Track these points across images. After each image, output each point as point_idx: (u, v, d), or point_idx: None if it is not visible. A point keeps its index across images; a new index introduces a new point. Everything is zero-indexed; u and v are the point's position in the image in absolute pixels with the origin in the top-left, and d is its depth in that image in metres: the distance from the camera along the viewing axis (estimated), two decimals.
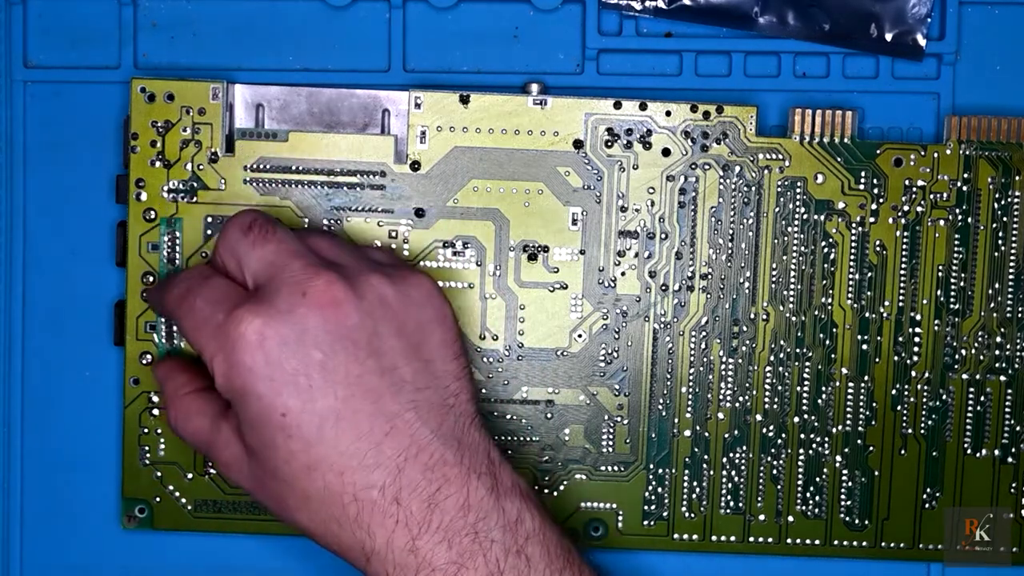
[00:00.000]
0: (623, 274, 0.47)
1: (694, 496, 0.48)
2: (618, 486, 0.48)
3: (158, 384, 0.45)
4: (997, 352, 0.47)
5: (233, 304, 0.40)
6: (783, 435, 0.48)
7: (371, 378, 0.40)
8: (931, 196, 0.47)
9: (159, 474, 0.47)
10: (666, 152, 0.47)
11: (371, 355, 0.40)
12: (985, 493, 0.48)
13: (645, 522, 0.48)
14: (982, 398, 0.47)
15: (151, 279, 0.47)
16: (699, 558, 0.49)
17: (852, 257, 0.47)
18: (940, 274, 0.47)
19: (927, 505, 0.48)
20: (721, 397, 0.47)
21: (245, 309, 0.40)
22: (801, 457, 0.48)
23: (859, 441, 0.47)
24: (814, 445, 0.48)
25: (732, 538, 0.48)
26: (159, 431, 0.47)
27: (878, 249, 0.47)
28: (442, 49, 0.48)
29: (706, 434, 0.47)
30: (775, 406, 0.47)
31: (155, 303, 0.46)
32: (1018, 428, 0.48)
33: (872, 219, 0.47)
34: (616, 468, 0.48)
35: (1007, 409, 0.47)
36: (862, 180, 0.47)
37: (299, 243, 0.42)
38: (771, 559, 0.48)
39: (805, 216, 0.47)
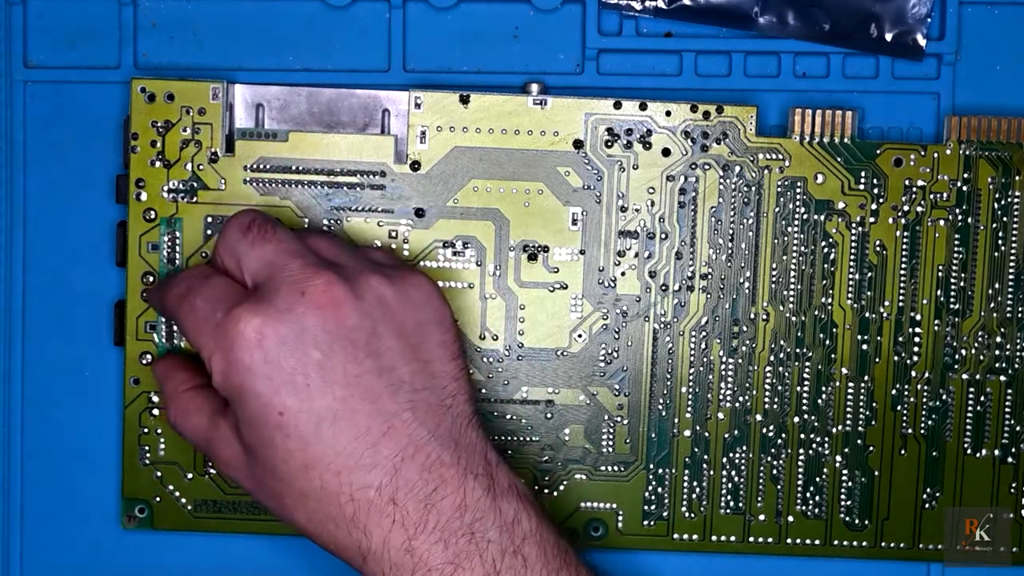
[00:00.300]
0: (623, 274, 0.47)
1: (694, 496, 0.48)
2: (618, 486, 0.48)
3: (158, 382, 0.45)
4: (997, 352, 0.47)
5: (232, 303, 0.40)
6: (783, 435, 0.48)
7: (369, 378, 0.40)
8: (931, 196, 0.47)
9: (159, 474, 0.47)
10: (666, 152, 0.47)
11: (369, 355, 0.40)
12: (985, 493, 0.48)
13: (645, 522, 0.48)
14: (982, 398, 0.47)
15: (151, 279, 0.47)
16: (699, 558, 0.49)
17: (852, 257, 0.47)
18: (940, 274, 0.47)
19: (927, 505, 0.48)
20: (721, 397, 0.47)
21: (244, 308, 0.40)
22: (801, 457, 0.48)
23: (859, 441, 0.47)
24: (814, 445, 0.48)
25: (732, 538, 0.48)
26: (159, 431, 0.47)
27: (878, 249, 0.47)
28: (442, 49, 0.48)
29: (706, 434, 0.47)
30: (775, 406, 0.47)
31: (155, 302, 0.46)
32: (1018, 428, 0.48)
33: (872, 219, 0.47)
34: (616, 468, 0.48)
35: (1007, 409, 0.47)
36: (862, 180, 0.47)
37: (298, 243, 0.42)
38: (771, 559, 0.48)
39: (805, 216, 0.47)
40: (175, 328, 0.47)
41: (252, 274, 0.41)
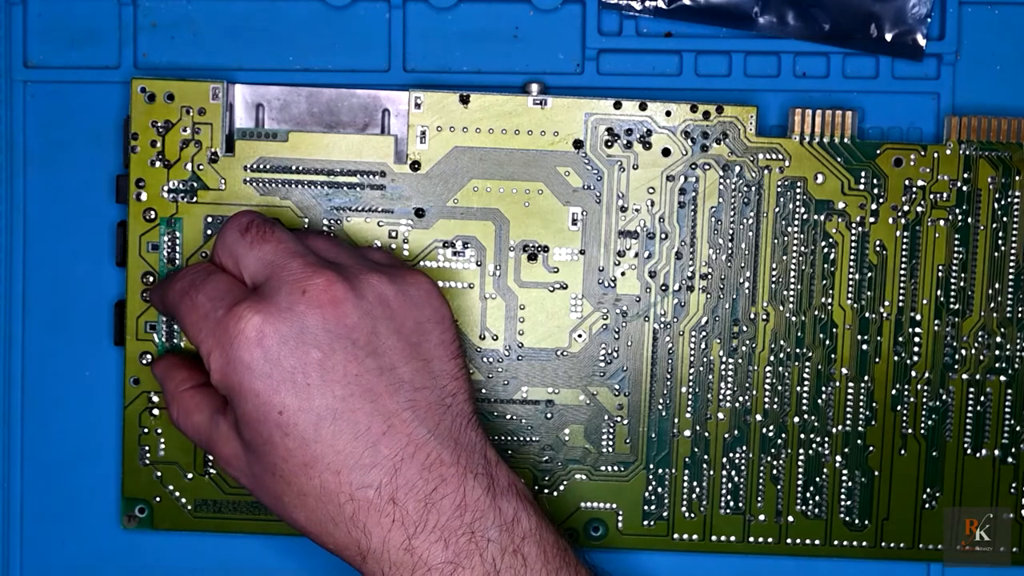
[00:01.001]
0: (623, 274, 0.47)
1: (694, 496, 0.48)
2: (618, 486, 0.48)
3: (158, 381, 0.45)
4: (997, 352, 0.47)
5: (234, 300, 0.40)
6: (783, 435, 0.48)
7: (369, 377, 0.40)
8: (931, 196, 0.47)
9: (159, 474, 0.48)
10: (666, 152, 0.47)
11: (370, 354, 0.40)
12: (985, 493, 0.48)
13: (645, 522, 0.48)
14: (982, 398, 0.47)
15: (151, 279, 0.47)
16: (699, 558, 0.49)
17: (852, 257, 0.47)
18: (940, 274, 0.47)
19: (927, 505, 0.48)
20: (721, 397, 0.47)
21: (245, 306, 0.40)
22: (801, 457, 0.48)
23: (859, 441, 0.47)
24: (814, 445, 0.48)
25: (732, 538, 0.48)
26: (159, 431, 0.47)
27: (878, 249, 0.47)
28: (442, 49, 0.48)
29: (706, 434, 0.47)
30: (775, 406, 0.47)
31: (156, 298, 0.45)
32: (1018, 428, 0.48)
33: (872, 219, 0.47)
34: (616, 468, 0.48)
35: (1007, 409, 0.47)
36: (862, 180, 0.47)
37: (298, 243, 0.42)
38: (771, 559, 0.48)
39: (805, 216, 0.47)
40: (175, 328, 0.47)
41: (251, 274, 0.41)
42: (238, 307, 0.40)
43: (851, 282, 0.47)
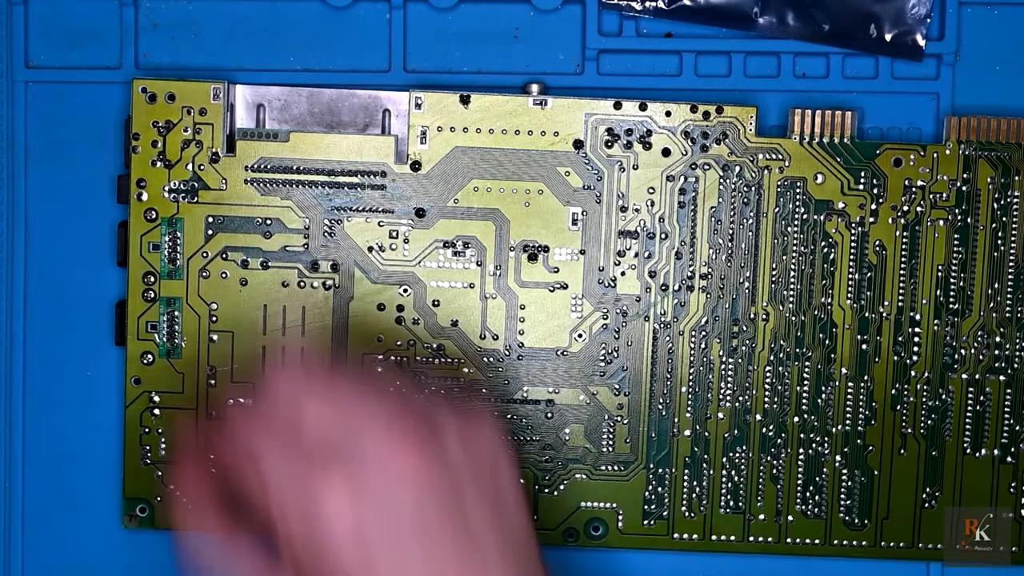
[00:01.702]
0: (623, 274, 0.47)
1: (694, 496, 0.48)
2: (618, 486, 0.48)
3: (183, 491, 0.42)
4: (997, 352, 0.47)
5: (321, 460, 0.38)
6: (783, 435, 0.48)
7: (459, 538, 0.38)
8: (931, 196, 0.47)
9: (160, 473, 0.48)
10: (666, 152, 0.47)
11: (457, 515, 0.38)
12: (985, 493, 0.48)
13: (645, 522, 0.48)
14: (982, 398, 0.47)
15: (152, 279, 0.47)
16: (699, 558, 0.49)
17: (852, 257, 0.47)
18: (940, 274, 0.47)
19: (927, 505, 0.48)
20: (721, 397, 0.47)
21: (334, 469, 0.37)
22: (801, 457, 0.48)
23: (859, 441, 0.48)
24: (814, 445, 0.48)
25: (732, 538, 0.48)
26: (160, 431, 0.47)
27: (878, 249, 0.47)
28: (442, 49, 0.48)
29: (706, 434, 0.48)
30: (775, 406, 0.47)
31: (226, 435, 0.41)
32: (1018, 428, 0.48)
33: (872, 219, 0.47)
34: (616, 468, 0.48)
35: (1007, 409, 0.48)
36: (862, 180, 0.47)
37: (369, 395, 0.39)
38: (771, 559, 0.48)
39: (805, 216, 0.47)
40: (176, 327, 0.47)
41: (321, 434, 0.38)
42: (327, 470, 0.37)
43: (851, 282, 0.47)
